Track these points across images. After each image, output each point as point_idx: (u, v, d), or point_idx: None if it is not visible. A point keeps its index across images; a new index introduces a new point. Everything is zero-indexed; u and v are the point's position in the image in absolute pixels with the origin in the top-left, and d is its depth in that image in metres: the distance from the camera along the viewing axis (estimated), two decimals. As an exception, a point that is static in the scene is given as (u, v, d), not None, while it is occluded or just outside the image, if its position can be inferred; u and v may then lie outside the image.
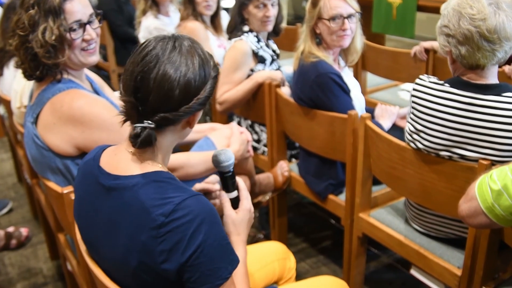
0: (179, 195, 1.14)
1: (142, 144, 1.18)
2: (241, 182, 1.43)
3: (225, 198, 1.40)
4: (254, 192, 2.43)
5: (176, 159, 1.92)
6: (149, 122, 1.17)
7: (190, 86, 1.17)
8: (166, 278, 1.14)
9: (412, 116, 1.80)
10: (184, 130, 1.26)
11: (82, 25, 1.72)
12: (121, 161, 1.24)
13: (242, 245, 1.37)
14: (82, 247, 1.37)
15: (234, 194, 1.40)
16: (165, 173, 1.21)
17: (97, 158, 1.30)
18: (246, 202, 1.41)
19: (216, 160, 1.36)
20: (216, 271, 1.15)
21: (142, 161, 1.22)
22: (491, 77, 1.68)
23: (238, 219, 1.38)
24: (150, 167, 1.21)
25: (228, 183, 1.39)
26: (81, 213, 1.33)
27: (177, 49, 1.18)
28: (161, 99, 1.15)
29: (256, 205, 2.59)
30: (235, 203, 1.40)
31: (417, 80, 1.80)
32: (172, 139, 1.26)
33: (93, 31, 1.76)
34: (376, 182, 2.14)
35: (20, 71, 1.79)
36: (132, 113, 1.19)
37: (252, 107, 2.75)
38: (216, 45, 3.33)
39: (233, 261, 1.19)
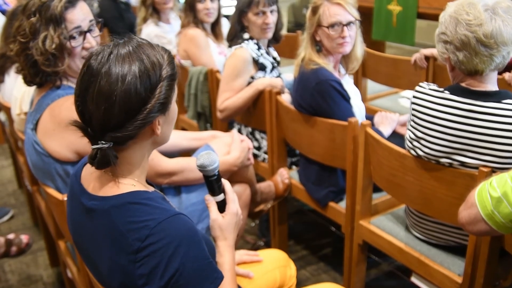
0: (154, 217, 1.11)
1: (100, 165, 1.13)
2: (228, 184, 1.40)
3: (211, 202, 1.37)
4: (255, 201, 2.43)
5: (177, 163, 1.92)
6: (103, 142, 1.11)
7: (131, 99, 1.08)
8: None
9: (412, 123, 1.80)
10: (153, 138, 1.19)
11: (82, 33, 1.73)
12: (97, 180, 1.21)
13: (229, 250, 1.35)
14: (82, 255, 1.37)
15: (220, 197, 1.37)
16: (140, 193, 1.17)
17: (79, 175, 1.28)
18: (233, 205, 1.38)
19: (200, 164, 1.33)
20: None
21: (116, 180, 1.18)
22: (491, 84, 1.68)
23: (224, 223, 1.35)
24: (125, 186, 1.18)
25: (214, 187, 1.36)
26: (72, 227, 1.32)
27: (111, 61, 1.09)
28: (102, 119, 1.08)
29: (257, 214, 2.59)
30: (221, 206, 1.38)
31: (417, 88, 1.80)
32: (142, 151, 1.20)
33: (93, 39, 1.76)
34: (376, 189, 2.14)
35: (20, 78, 1.80)
36: (85, 135, 1.15)
37: (252, 114, 2.75)
38: (216, 52, 3.34)
39: (216, 279, 1.17)
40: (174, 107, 1.21)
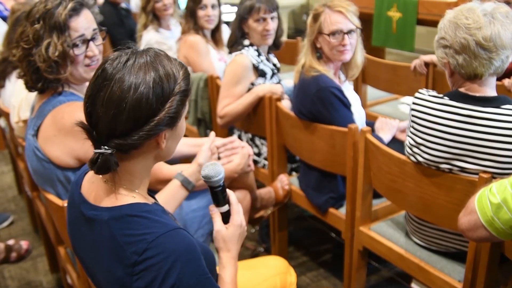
0: (153, 231, 1.10)
1: (99, 170, 1.12)
2: (233, 195, 1.39)
3: (216, 213, 1.36)
4: (255, 207, 2.42)
5: (177, 170, 1.92)
6: (106, 148, 1.09)
7: (141, 108, 1.06)
8: None
9: (412, 129, 1.81)
10: (157, 151, 1.17)
11: (86, 42, 1.73)
12: (97, 190, 1.20)
13: (231, 262, 1.33)
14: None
15: (225, 208, 1.36)
16: (140, 205, 1.16)
17: (79, 183, 1.27)
18: (237, 216, 1.36)
19: (205, 175, 1.32)
20: None
21: (116, 190, 1.17)
22: (490, 89, 1.70)
23: (228, 235, 1.34)
24: (125, 198, 1.16)
25: (218, 198, 1.35)
26: (71, 234, 1.32)
27: (127, 68, 1.08)
28: (109, 124, 1.07)
29: (257, 220, 2.59)
30: (226, 217, 1.36)
31: (417, 94, 1.81)
32: (144, 163, 1.18)
33: (96, 48, 1.77)
34: (376, 195, 2.14)
35: (18, 85, 1.80)
36: (90, 138, 1.13)
37: (252, 120, 2.75)
38: (216, 59, 3.35)
39: None
40: (182, 124, 1.20)
